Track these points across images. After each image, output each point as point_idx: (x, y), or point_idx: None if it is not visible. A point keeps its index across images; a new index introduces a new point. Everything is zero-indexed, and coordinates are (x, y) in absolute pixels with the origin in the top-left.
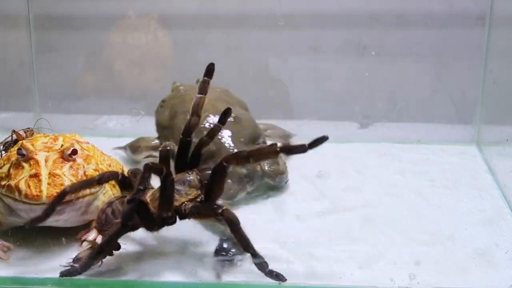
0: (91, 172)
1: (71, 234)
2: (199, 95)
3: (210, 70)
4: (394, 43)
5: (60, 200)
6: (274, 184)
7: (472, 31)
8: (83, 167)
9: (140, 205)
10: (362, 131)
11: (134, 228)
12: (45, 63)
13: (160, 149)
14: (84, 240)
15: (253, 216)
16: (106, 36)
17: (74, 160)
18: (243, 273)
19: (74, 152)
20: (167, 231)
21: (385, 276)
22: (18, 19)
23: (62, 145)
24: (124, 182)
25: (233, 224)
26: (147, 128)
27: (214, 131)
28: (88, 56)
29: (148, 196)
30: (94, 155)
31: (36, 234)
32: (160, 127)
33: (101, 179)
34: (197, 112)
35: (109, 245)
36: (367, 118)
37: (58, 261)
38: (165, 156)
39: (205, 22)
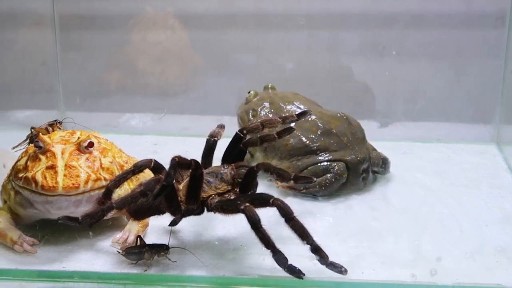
0: (108, 164)
1: (98, 228)
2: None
3: (303, 114)
4: (413, 43)
5: (108, 198)
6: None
7: (492, 30)
8: (100, 159)
9: (170, 190)
10: (382, 130)
11: (161, 211)
12: (69, 61)
13: (207, 138)
14: (115, 242)
15: None
16: (129, 35)
17: (90, 153)
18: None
19: (91, 144)
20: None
21: (406, 272)
22: (43, 18)
23: (79, 138)
24: (157, 169)
25: (254, 222)
26: (170, 126)
27: (268, 140)
28: (111, 55)
29: (182, 185)
30: (112, 149)
31: (63, 228)
32: None
33: (135, 169)
34: (265, 124)
35: (124, 202)
36: (387, 117)
37: (84, 255)
38: (210, 146)
39: (225, 21)
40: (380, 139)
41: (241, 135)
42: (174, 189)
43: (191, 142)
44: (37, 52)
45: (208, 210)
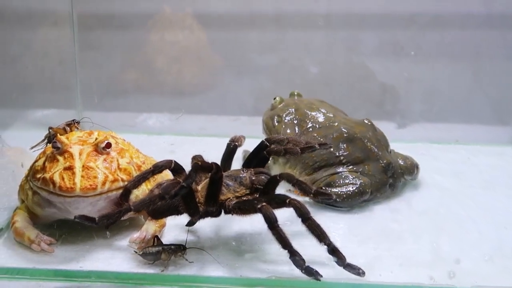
0: (125, 165)
1: (115, 228)
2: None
3: (323, 145)
4: (432, 44)
5: (126, 198)
6: (410, 180)
7: (510, 32)
8: (117, 160)
9: (188, 191)
10: (399, 131)
11: (179, 212)
12: (87, 61)
13: (228, 142)
14: (132, 241)
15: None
16: (147, 35)
17: (108, 153)
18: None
19: (108, 145)
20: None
21: (425, 274)
22: (61, 18)
23: (96, 139)
24: (177, 170)
25: (270, 221)
26: (187, 126)
27: (291, 152)
28: (129, 55)
29: (200, 186)
30: (129, 150)
31: (81, 228)
32: None
33: (155, 169)
34: (290, 140)
35: (142, 205)
36: (404, 118)
37: (102, 254)
38: (231, 150)
39: (243, 22)
40: (397, 140)
41: (267, 143)
42: (192, 190)
43: (208, 142)
44: (55, 52)
45: (226, 213)
